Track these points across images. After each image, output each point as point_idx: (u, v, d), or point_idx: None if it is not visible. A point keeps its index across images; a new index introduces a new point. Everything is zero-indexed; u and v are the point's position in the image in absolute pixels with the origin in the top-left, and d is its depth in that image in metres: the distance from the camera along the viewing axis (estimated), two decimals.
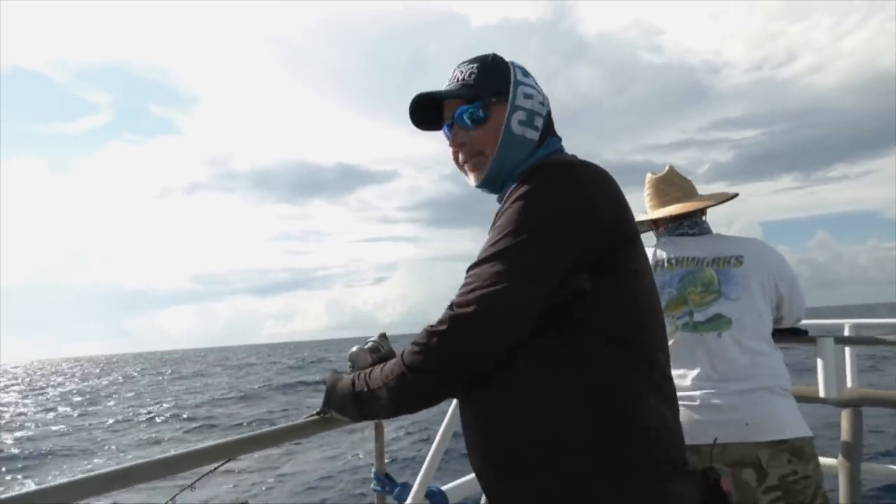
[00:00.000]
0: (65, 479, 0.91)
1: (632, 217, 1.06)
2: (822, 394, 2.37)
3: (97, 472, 0.93)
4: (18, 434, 17.30)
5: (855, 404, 2.39)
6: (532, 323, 0.94)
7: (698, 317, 1.80)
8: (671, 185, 2.02)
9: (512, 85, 1.15)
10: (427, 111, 1.21)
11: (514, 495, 0.98)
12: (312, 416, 1.20)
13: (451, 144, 1.20)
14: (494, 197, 1.20)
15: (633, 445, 0.94)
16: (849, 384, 2.62)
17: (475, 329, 0.92)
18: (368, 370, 1.09)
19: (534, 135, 1.16)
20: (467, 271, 0.99)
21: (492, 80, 1.16)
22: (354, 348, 1.25)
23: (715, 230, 1.98)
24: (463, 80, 1.16)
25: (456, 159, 1.20)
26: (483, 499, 1.32)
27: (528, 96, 1.16)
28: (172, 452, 1.02)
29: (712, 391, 1.70)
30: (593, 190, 1.00)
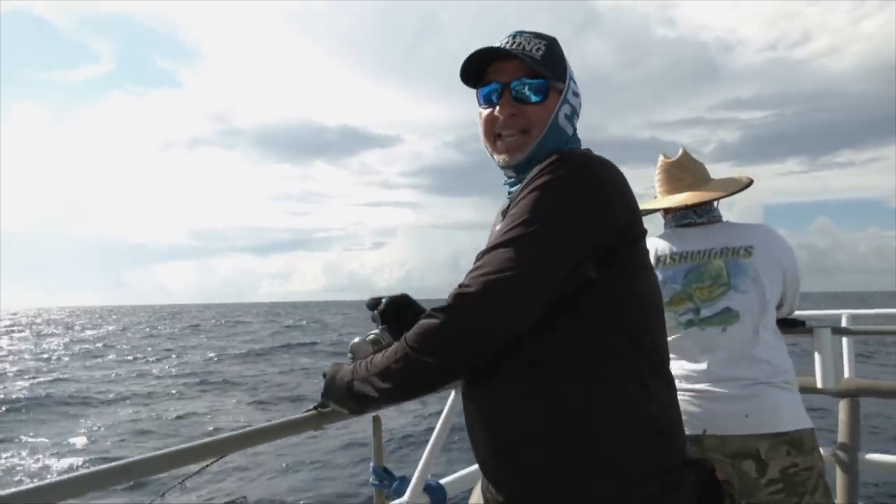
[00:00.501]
0: (60, 477, 0.89)
1: (640, 217, 1.06)
2: (819, 384, 2.38)
3: (77, 474, 0.91)
4: (25, 381, 17.63)
5: (853, 395, 2.40)
6: (537, 313, 0.94)
7: (705, 312, 1.79)
8: (685, 170, 1.96)
9: (568, 78, 1.14)
10: (468, 65, 1.13)
11: (517, 485, 0.99)
12: (310, 410, 1.18)
13: (489, 107, 1.13)
14: (501, 171, 1.17)
15: (635, 435, 0.95)
16: (846, 374, 2.63)
17: (480, 312, 0.92)
18: (370, 357, 1.07)
19: (570, 132, 1.16)
20: (478, 256, 0.98)
21: (557, 64, 1.13)
22: (356, 339, 1.22)
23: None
24: (529, 51, 1.10)
25: (490, 127, 1.14)
26: (476, 491, 1.31)
27: (575, 94, 1.16)
28: (165, 450, 1.00)
29: (714, 385, 1.70)
30: (609, 186, 1.00)
